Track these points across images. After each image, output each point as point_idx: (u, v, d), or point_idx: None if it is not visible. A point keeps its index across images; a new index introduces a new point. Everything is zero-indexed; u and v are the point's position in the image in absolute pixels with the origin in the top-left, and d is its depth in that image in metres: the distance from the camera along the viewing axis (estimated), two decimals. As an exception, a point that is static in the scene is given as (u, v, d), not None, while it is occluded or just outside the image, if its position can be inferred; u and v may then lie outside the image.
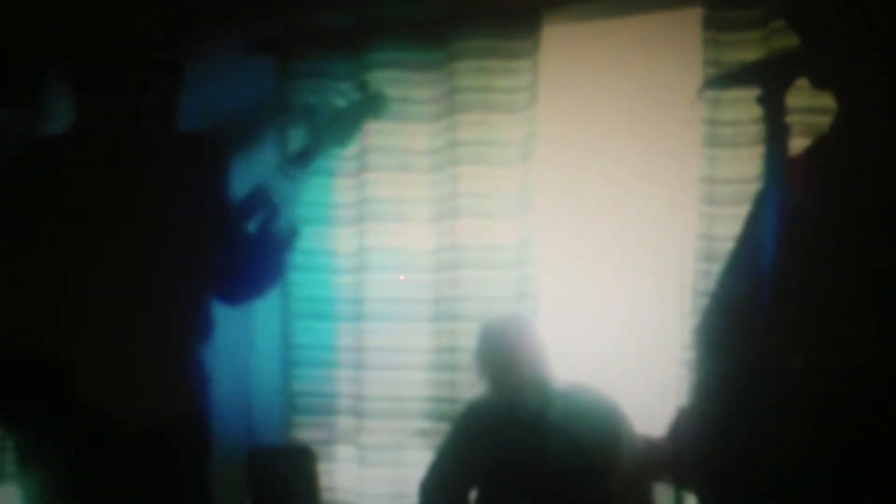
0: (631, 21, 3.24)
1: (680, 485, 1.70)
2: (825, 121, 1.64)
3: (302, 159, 2.45)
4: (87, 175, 2.30)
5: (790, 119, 1.47)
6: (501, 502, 3.00)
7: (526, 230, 3.29)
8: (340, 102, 2.58)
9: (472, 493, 3.08)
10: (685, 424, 1.64)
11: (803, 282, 1.49)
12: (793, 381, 1.49)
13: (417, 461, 3.20)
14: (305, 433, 3.57)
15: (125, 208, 2.27)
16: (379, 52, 3.41)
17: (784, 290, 1.45)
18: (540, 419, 2.92)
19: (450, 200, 3.35)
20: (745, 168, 2.91)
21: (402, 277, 3.44)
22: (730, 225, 2.93)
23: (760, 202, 1.52)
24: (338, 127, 2.54)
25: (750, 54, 2.88)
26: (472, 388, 3.18)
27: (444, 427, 3.21)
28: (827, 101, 1.60)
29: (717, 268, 2.92)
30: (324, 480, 3.51)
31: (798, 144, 1.54)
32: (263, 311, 3.46)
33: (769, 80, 1.48)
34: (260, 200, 2.36)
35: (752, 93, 1.50)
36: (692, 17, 3.04)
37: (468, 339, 3.20)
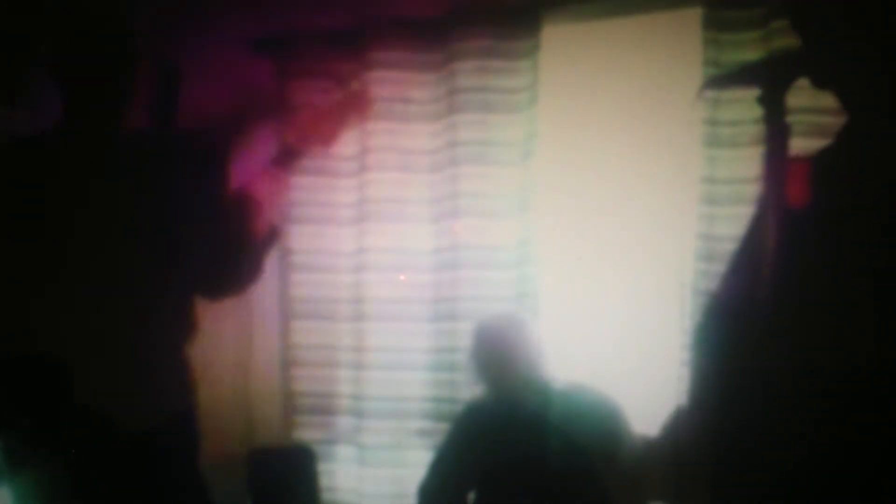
0: (631, 21, 3.24)
1: (679, 485, 1.70)
2: (825, 121, 1.65)
3: (286, 157, 2.45)
4: (77, 173, 2.29)
5: (790, 119, 1.47)
6: (501, 503, 3.00)
7: (526, 230, 3.29)
8: (325, 102, 2.57)
9: (472, 494, 3.08)
10: (684, 424, 1.64)
11: (804, 282, 1.49)
12: (793, 382, 1.49)
13: (417, 461, 3.20)
14: (305, 433, 3.57)
15: (114, 207, 2.27)
16: (379, 52, 3.41)
17: (784, 291, 1.45)
18: (539, 419, 2.92)
19: (450, 200, 3.35)
20: (745, 168, 2.91)
21: (402, 277, 3.44)
22: (730, 225, 2.94)
23: (761, 202, 1.52)
24: (322, 127, 2.53)
25: (750, 54, 2.89)
26: (471, 388, 3.18)
27: (444, 427, 3.20)
28: (827, 101, 1.60)
29: (717, 268, 2.95)
30: (324, 480, 3.51)
31: (798, 144, 1.54)
32: (263, 310, 3.46)
33: (769, 80, 1.48)
34: (244, 200, 2.35)
35: (752, 93, 1.50)
36: (692, 17, 3.04)
37: (468, 339, 3.20)
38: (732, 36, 2.97)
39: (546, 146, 3.29)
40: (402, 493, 3.36)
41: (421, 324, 3.42)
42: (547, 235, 3.32)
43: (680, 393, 2.96)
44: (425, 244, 3.42)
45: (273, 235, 2.43)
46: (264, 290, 3.29)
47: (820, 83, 1.56)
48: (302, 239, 3.50)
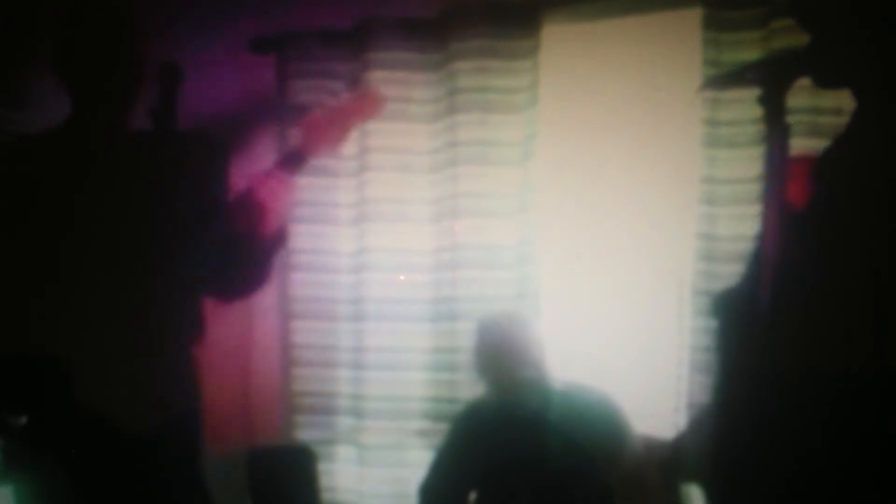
0: (631, 21, 3.24)
1: (681, 485, 1.70)
2: (825, 121, 1.65)
3: (293, 160, 2.44)
4: (84, 172, 2.30)
5: (790, 119, 1.47)
6: (501, 502, 3.00)
7: (526, 230, 3.29)
8: (333, 102, 2.55)
9: (472, 494, 3.08)
10: (690, 426, 1.65)
11: (807, 283, 1.49)
12: (797, 384, 1.49)
13: (417, 461, 3.20)
14: (305, 433, 3.57)
15: (121, 206, 2.27)
16: (379, 52, 3.41)
17: (788, 292, 1.45)
18: (540, 419, 2.92)
19: (450, 200, 3.35)
20: (745, 168, 2.91)
21: (401, 277, 3.44)
22: (730, 225, 2.94)
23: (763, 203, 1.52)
24: (329, 128, 2.51)
25: (750, 54, 2.89)
26: (472, 387, 3.18)
27: (444, 427, 3.20)
28: (827, 101, 1.60)
29: (717, 268, 2.95)
30: (324, 480, 3.51)
31: (798, 144, 1.54)
32: (263, 311, 3.46)
33: (769, 80, 1.48)
34: (250, 200, 2.35)
35: (752, 93, 1.50)
36: (692, 17, 3.04)
37: (468, 339, 3.20)
38: (732, 36, 2.97)
39: (546, 146, 3.29)
40: (402, 493, 3.36)
41: (421, 324, 3.42)
42: (547, 235, 3.32)
43: (680, 392, 2.96)
44: (425, 244, 3.42)
45: (281, 237, 2.42)
46: (264, 290, 3.28)
47: (823, 82, 1.56)
48: (302, 239, 3.50)
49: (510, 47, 3.29)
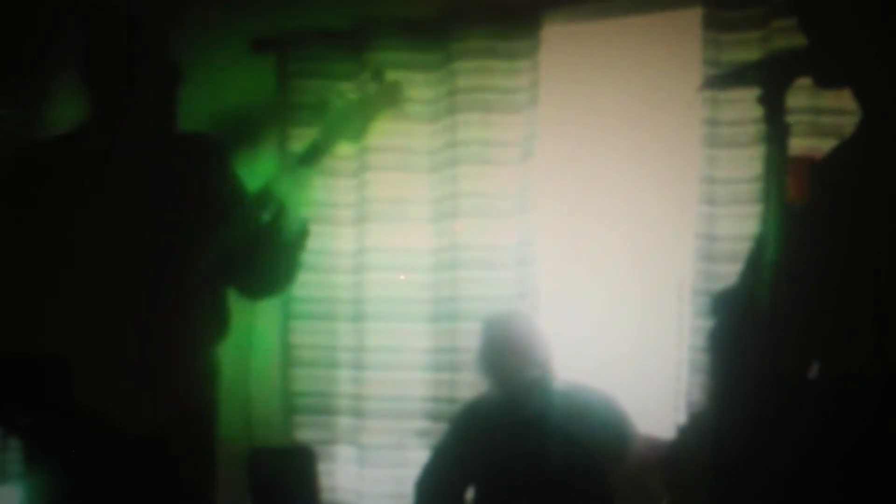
0: (631, 21, 3.24)
1: (682, 485, 1.70)
2: (825, 121, 1.64)
3: (312, 156, 2.42)
4: (97, 175, 2.31)
5: (790, 119, 1.47)
6: (501, 502, 3.00)
7: (526, 230, 3.29)
8: (354, 95, 2.51)
9: (471, 493, 3.08)
10: (690, 427, 1.65)
11: (811, 284, 1.49)
12: (800, 385, 1.49)
13: (417, 461, 3.20)
14: (305, 433, 3.57)
15: (138, 208, 2.29)
16: (379, 52, 3.41)
17: (788, 292, 1.45)
18: (540, 418, 2.92)
19: (450, 200, 3.35)
20: (745, 168, 2.91)
21: (401, 277, 3.44)
22: (730, 225, 2.94)
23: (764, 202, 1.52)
24: (351, 121, 2.47)
25: (750, 54, 2.89)
26: (472, 388, 3.18)
27: (445, 427, 3.20)
28: (827, 101, 1.60)
29: (717, 268, 2.95)
30: (324, 480, 3.51)
31: (798, 144, 1.54)
32: (263, 311, 3.45)
33: (769, 80, 1.48)
34: (267, 199, 2.34)
35: (752, 93, 1.50)
36: (692, 17, 3.04)
37: (468, 339, 3.20)
38: (732, 36, 2.97)
39: (546, 146, 3.29)
40: (402, 493, 3.36)
41: (421, 324, 3.42)
42: (547, 235, 3.32)
43: (680, 392, 2.96)
44: (425, 244, 3.42)
45: (303, 233, 2.42)
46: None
47: (823, 82, 1.56)
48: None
49: (510, 47, 3.29)
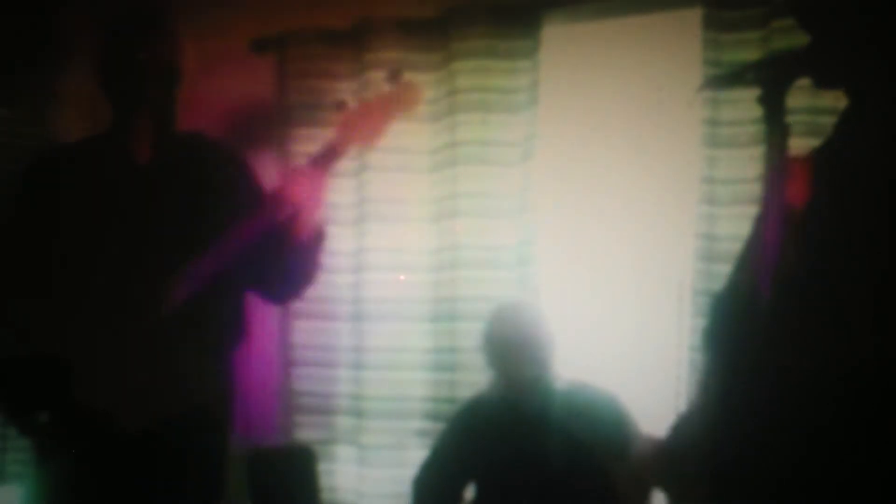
0: (631, 21, 3.24)
1: (681, 484, 1.70)
2: (825, 121, 1.64)
3: (327, 157, 2.42)
4: (118, 177, 2.32)
5: (790, 119, 1.47)
6: (500, 500, 2.99)
7: (526, 230, 3.29)
8: (370, 96, 2.50)
9: (471, 491, 3.08)
10: (687, 425, 1.64)
11: (807, 282, 1.49)
12: (796, 382, 1.49)
13: (417, 461, 3.20)
14: (305, 433, 3.57)
15: (157, 211, 2.30)
16: (379, 52, 3.41)
17: (787, 291, 1.45)
18: (541, 416, 2.92)
19: (450, 200, 3.35)
20: (745, 168, 2.91)
21: (401, 277, 3.44)
22: (730, 225, 2.94)
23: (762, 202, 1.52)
24: (367, 122, 2.45)
25: (750, 54, 2.89)
26: (472, 387, 3.18)
27: (444, 425, 3.20)
28: (827, 101, 1.60)
29: (717, 268, 2.95)
30: (324, 480, 3.51)
31: (798, 144, 1.54)
32: (263, 311, 3.45)
33: (769, 80, 1.48)
34: (281, 200, 2.34)
35: (752, 93, 1.50)
36: (692, 17, 3.04)
37: (468, 338, 3.20)
38: (732, 36, 2.96)
39: (546, 146, 3.29)
40: (402, 493, 3.35)
41: (421, 324, 3.42)
42: (547, 235, 3.32)
43: (680, 393, 2.96)
44: (425, 244, 3.42)
45: (319, 235, 2.42)
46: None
47: (823, 82, 1.56)
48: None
49: (510, 47, 3.29)
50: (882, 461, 1.42)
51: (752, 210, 1.71)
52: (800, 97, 1.55)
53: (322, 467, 3.51)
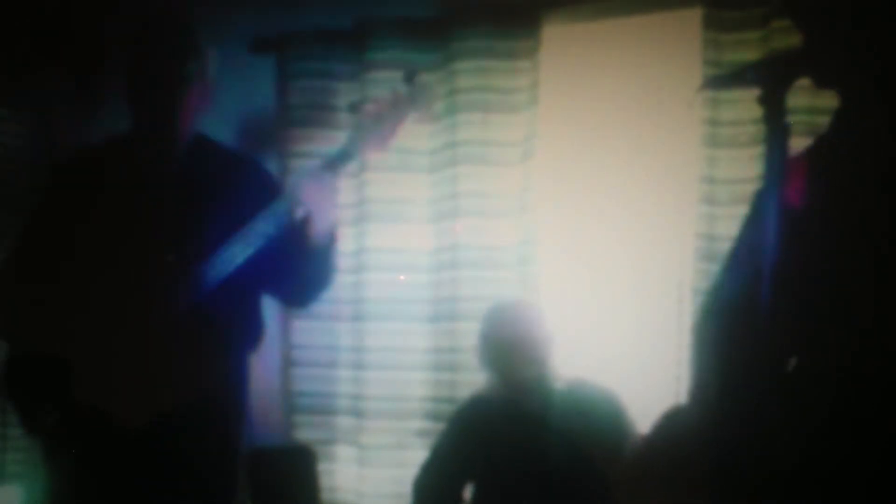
0: (631, 21, 3.24)
1: (679, 484, 1.70)
2: (825, 121, 1.64)
3: (341, 159, 2.41)
4: (143, 181, 2.33)
5: (790, 119, 1.47)
6: (500, 500, 2.99)
7: (526, 230, 3.29)
8: (386, 97, 2.47)
9: (470, 491, 3.07)
10: (684, 424, 1.65)
11: (803, 282, 1.49)
12: (792, 382, 1.49)
13: (417, 461, 3.20)
14: (305, 433, 3.57)
15: (176, 214, 2.30)
16: (379, 52, 3.41)
17: (784, 290, 1.45)
18: (540, 415, 2.92)
19: (450, 200, 3.35)
20: (745, 168, 2.91)
21: (401, 277, 3.44)
22: (730, 225, 2.93)
23: (760, 202, 1.52)
24: (382, 123, 2.43)
25: (750, 54, 2.89)
26: (472, 387, 3.18)
27: (444, 425, 3.20)
28: (827, 101, 1.60)
29: (717, 268, 2.94)
30: (324, 480, 3.51)
31: (798, 144, 1.54)
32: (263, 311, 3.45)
33: (769, 80, 1.48)
34: (295, 203, 2.34)
35: (752, 93, 1.50)
36: (692, 17, 3.04)
37: (468, 338, 3.20)
38: (732, 36, 2.97)
39: (546, 146, 3.29)
40: (402, 494, 3.35)
41: (421, 324, 3.42)
42: (547, 235, 3.32)
43: (679, 392, 2.96)
44: (425, 244, 3.42)
45: (332, 237, 2.41)
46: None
47: (822, 82, 1.56)
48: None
49: (510, 47, 3.29)
50: (882, 462, 1.42)
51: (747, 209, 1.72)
52: (800, 97, 1.55)
53: (322, 467, 3.51)
